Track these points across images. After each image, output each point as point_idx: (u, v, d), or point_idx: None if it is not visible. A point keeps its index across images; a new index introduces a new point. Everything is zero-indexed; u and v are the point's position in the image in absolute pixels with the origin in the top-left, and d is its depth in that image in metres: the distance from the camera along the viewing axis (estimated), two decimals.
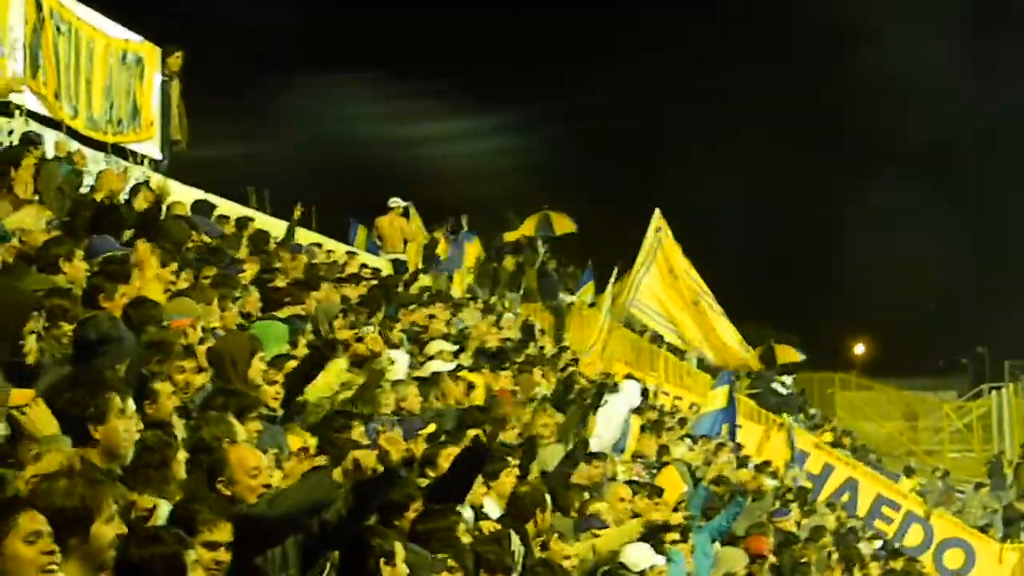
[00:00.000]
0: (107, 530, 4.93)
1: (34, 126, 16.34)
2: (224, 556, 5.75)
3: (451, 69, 44.40)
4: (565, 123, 46.95)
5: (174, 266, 11.29)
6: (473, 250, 28.52)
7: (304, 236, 21.78)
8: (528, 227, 30.85)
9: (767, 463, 24.77)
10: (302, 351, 10.49)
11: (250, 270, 13.80)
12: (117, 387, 6.43)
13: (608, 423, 17.34)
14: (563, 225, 31.00)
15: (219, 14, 41.35)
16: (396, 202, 25.10)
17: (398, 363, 12.35)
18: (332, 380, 9.81)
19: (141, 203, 14.25)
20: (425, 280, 22.83)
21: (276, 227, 20.46)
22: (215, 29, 40.68)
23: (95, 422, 6.17)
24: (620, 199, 42.46)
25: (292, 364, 9.56)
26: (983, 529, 29.79)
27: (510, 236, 30.53)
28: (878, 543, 24.74)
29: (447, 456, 9.11)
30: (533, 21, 48.32)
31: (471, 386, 13.77)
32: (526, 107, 46.19)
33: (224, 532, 5.78)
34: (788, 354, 38.45)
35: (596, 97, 45.32)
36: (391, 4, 45.22)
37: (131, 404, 6.55)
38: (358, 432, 9.13)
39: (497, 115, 45.86)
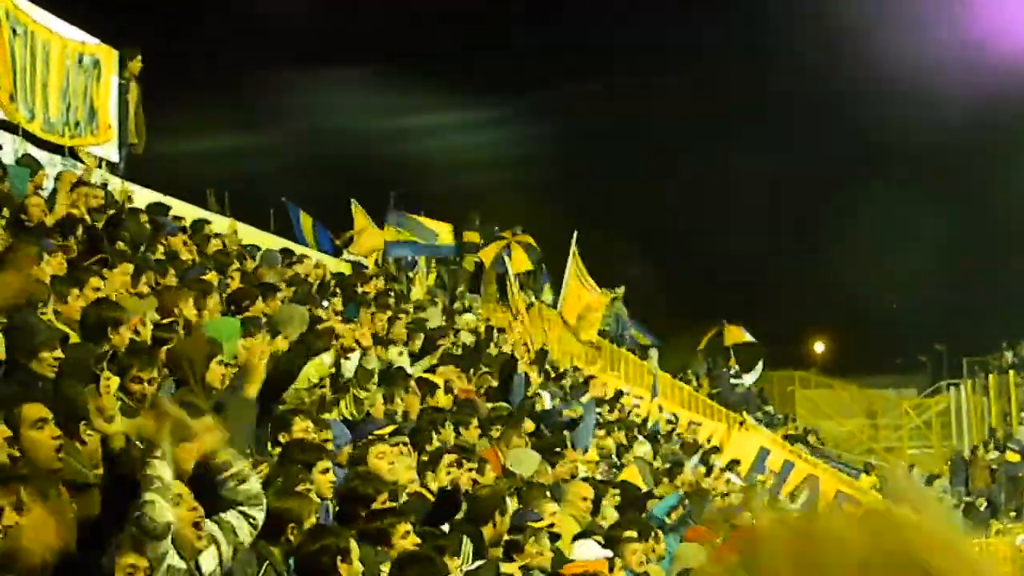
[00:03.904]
0: None
1: None
2: None
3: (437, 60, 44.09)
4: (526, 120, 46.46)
5: (130, 267, 11.32)
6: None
7: (261, 238, 21.74)
8: (488, 255, 30.20)
9: (736, 461, 24.91)
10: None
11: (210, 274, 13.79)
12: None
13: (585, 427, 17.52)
14: (520, 263, 29.85)
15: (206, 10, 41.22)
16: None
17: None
18: (312, 373, 9.86)
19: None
20: (380, 282, 22.74)
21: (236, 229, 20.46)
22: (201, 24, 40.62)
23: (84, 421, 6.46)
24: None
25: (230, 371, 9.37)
26: None
27: (470, 236, 30.31)
28: None
29: (376, 454, 9.15)
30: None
31: (434, 387, 13.80)
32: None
33: None
34: (735, 335, 38.30)
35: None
36: None
37: None
38: (300, 428, 9.10)
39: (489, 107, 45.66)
